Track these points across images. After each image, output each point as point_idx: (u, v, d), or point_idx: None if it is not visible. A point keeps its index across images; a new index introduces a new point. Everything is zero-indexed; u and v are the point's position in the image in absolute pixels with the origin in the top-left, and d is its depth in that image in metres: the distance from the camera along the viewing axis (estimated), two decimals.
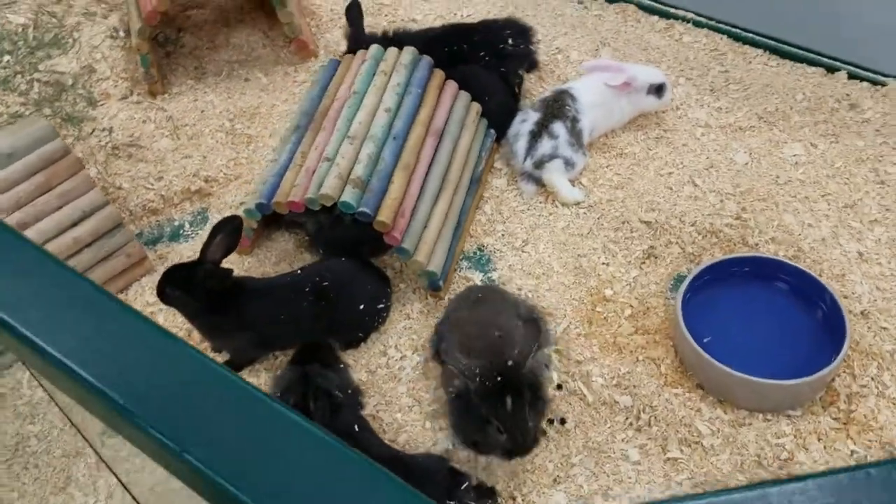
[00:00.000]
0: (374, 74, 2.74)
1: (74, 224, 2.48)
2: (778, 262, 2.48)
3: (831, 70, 3.28)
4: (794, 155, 2.99)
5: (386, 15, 3.60)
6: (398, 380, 2.43)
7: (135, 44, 3.13)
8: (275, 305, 2.34)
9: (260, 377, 2.43)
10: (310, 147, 2.58)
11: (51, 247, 2.43)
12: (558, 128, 2.85)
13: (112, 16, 3.65)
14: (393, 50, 2.81)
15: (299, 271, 2.44)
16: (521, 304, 2.41)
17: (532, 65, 3.24)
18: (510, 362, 2.04)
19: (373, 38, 3.08)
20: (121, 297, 2.65)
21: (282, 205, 2.45)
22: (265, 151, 3.07)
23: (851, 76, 3.24)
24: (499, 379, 2.00)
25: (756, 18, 3.44)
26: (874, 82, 3.21)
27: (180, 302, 2.28)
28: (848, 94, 3.18)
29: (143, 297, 2.64)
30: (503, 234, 2.81)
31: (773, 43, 3.38)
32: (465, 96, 2.89)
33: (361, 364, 2.47)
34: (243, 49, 3.50)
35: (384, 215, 2.40)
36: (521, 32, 3.13)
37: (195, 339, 2.51)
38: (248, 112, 3.22)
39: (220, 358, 2.48)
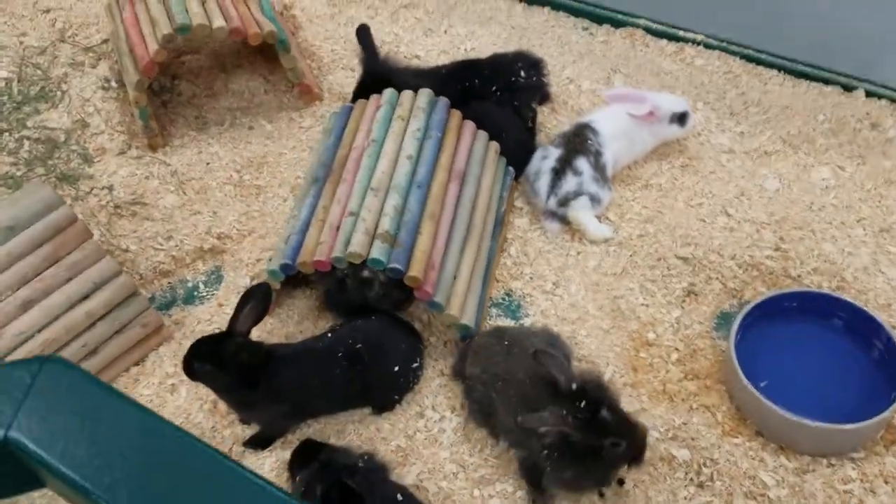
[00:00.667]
0: (391, 120, 2.62)
1: (86, 297, 2.33)
2: (830, 297, 2.39)
3: (848, 88, 3.22)
4: (823, 179, 2.91)
5: (387, 52, 3.48)
6: (439, 444, 2.29)
7: (132, 97, 2.99)
8: (307, 373, 2.20)
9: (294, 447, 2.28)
10: (331, 200, 2.45)
11: (62, 322, 2.28)
12: (582, 163, 2.74)
13: (101, 65, 3.51)
14: (408, 93, 2.69)
15: (329, 334, 2.30)
16: (538, 335, 2.32)
17: (544, 97, 3.14)
18: (574, 386, 1.96)
19: (386, 63, 2.99)
20: (138, 368, 2.49)
21: (307, 265, 2.32)
22: (276, 203, 2.94)
23: (869, 94, 3.18)
24: (585, 405, 1.92)
25: (768, 38, 3.38)
26: (892, 99, 3.15)
27: (209, 377, 2.13)
28: (868, 113, 3.12)
29: (162, 368, 2.49)
30: (531, 277, 2.69)
31: (787, 63, 3.31)
32: (483, 136, 2.78)
33: (399, 429, 2.33)
34: (244, 95, 3.36)
35: (415, 270, 2.28)
36: (533, 65, 3.03)
37: (221, 410, 2.37)
38: (255, 162, 3.09)
39: (250, 430, 2.33)
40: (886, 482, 2.15)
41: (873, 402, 2.21)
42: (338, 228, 2.35)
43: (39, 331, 2.24)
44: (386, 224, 2.32)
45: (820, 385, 2.31)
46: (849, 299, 2.36)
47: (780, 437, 2.23)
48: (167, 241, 2.82)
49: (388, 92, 2.71)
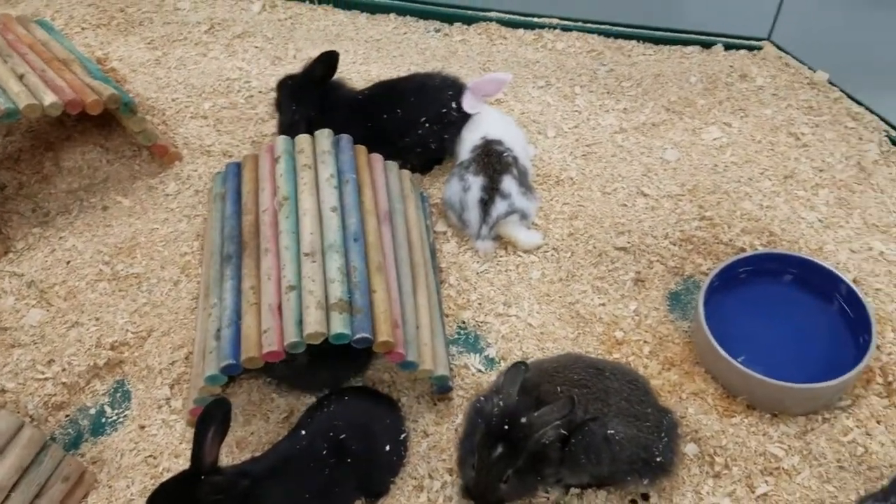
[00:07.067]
0: (296, 171, 2.32)
1: None
2: (781, 255, 2.42)
3: (706, 45, 3.31)
4: (715, 139, 2.96)
5: (237, 90, 3.13)
6: None
7: None
8: (294, 488, 1.88)
9: None
10: (257, 278, 2.12)
11: None
12: (508, 183, 2.56)
13: None
14: (305, 137, 2.39)
15: (303, 431, 1.98)
16: None
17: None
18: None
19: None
20: None
21: (256, 359, 1.98)
22: (166, 289, 2.53)
23: (727, 47, 3.29)
24: None
25: (618, 11, 3.40)
26: (750, 48, 3.28)
27: None
28: (732, 66, 3.23)
29: None
30: (480, 303, 2.51)
31: (644, 32, 3.35)
32: (392, 166, 2.55)
33: None
34: (83, 172, 2.87)
35: (384, 333, 2.02)
36: (460, 92, 2.74)
37: None
38: (124, 248, 2.63)
39: None
40: (879, 422, 2.21)
41: (844, 350, 2.27)
42: (279, 308, 2.04)
43: None
44: (337, 291, 2.03)
45: (792, 344, 2.34)
46: (803, 255, 2.41)
47: (773, 406, 2.23)
48: (49, 367, 2.34)
49: (282, 140, 2.39)
